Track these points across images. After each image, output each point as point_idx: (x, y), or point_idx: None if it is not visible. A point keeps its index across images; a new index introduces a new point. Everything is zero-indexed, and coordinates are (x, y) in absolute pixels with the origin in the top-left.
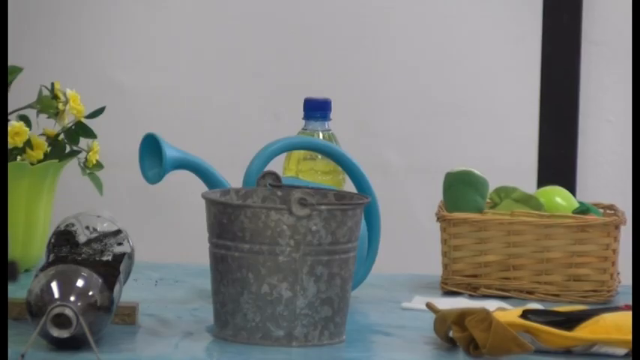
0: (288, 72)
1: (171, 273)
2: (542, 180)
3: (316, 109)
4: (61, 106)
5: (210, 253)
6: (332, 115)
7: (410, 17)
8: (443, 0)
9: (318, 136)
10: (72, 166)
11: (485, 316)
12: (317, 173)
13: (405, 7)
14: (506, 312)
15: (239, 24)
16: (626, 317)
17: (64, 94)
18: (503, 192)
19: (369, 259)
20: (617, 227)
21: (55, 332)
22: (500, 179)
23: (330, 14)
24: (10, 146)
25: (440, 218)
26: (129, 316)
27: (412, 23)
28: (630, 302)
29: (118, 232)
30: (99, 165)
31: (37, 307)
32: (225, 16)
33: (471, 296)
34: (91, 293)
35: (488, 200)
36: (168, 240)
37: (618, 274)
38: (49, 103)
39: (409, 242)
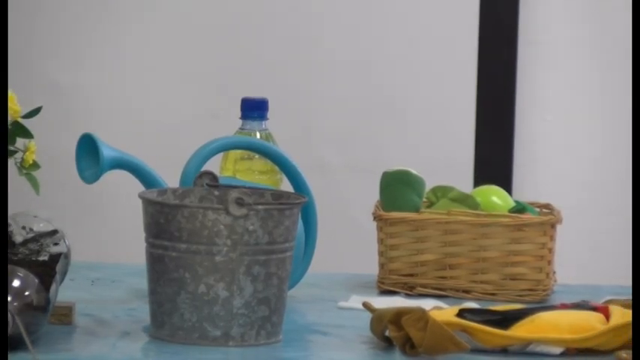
0: (226, 71)
1: (108, 273)
2: (479, 179)
3: (253, 109)
4: None
5: (147, 253)
6: (269, 114)
7: (347, 17)
8: (380, 0)
9: (256, 135)
10: (8, 166)
11: (422, 315)
12: (254, 173)
13: (342, 7)
14: (442, 311)
15: (176, 23)
16: (561, 316)
17: None
18: (440, 191)
19: (306, 258)
20: (553, 226)
21: None
22: (437, 178)
23: (268, 14)
24: None
25: (377, 217)
26: (65, 316)
27: (349, 23)
28: (566, 301)
29: (55, 232)
30: (35, 165)
31: None
32: (163, 14)
33: (408, 295)
34: (27, 293)
35: (424, 199)
36: (105, 240)
37: (554, 273)
38: None
39: (346, 241)
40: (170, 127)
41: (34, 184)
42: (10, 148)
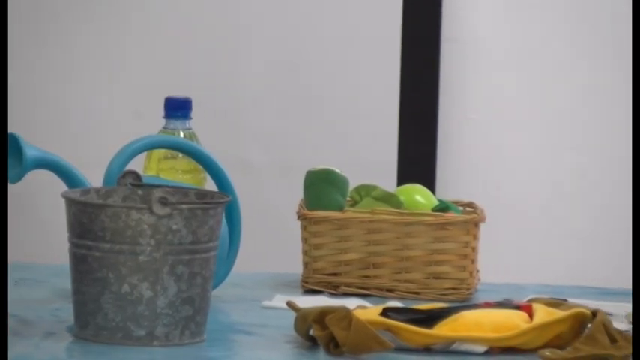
0: (149, 71)
1: (32, 273)
2: (403, 178)
3: (177, 108)
4: None
5: (71, 253)
6: (193, 113)
7: (271, 15)
8: (303, 0)
9: (179, 135)
10: None
11: (346, 314)
12: (178, 172)
13: (266, 5)
14: (366, 310)
15: (100, 22)
16: (485, 315)
17: None
18: (364, 190)
19: (230, 257)
20: (476, 225)
21: None
22: (361, 178)
23: (192, 12)
24: None
25: (300, 217)
26: None
27: (273, 21)
28: (489, 300)
29: None
30: None
31: None
32: (86, 13)
33: (332, 294)
34: None
35: (348, 199)
36: (28, 240)
37: (478, 271)
38: None
39: (270, 241)
40: (93, 127)
41: None
42: None
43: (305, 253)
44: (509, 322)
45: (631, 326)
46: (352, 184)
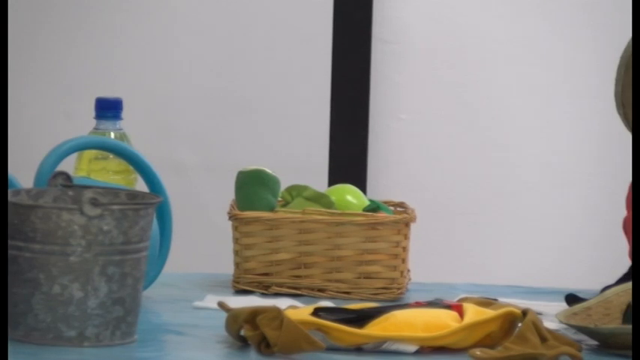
0: (80, 71)
1: None
2: (334, 178)
3: (108, 109)
4: None
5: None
6: (124, 114)
7: (203, 15)
8: (235, 1)
9: (110, 135)
10: None
11: (277, 314)
12: (109, 173)
13: (198, 5)
14: (297, 310)
15: (30, 21)
16: (416, 314)
17: None
18: (295, 190)
19: (161, 258)
20: (407, 225)
21: None
22: (292, 178)
23: (121, 13)
24: None
25: (232, 217)
26: None
27: (205, 21)
28: (420, 299)
29: None
30: None
31: None
32: (15, 14)
33: (263, 295)
34: None
35: (279, 199)
36: None
37: (408, 271)
38: None
39: (201, 241)
40: (24, 127)
41: None
42: None
43: (236, 253)
44: (439, 322)
45: (561, 325)
46: (283, 185)
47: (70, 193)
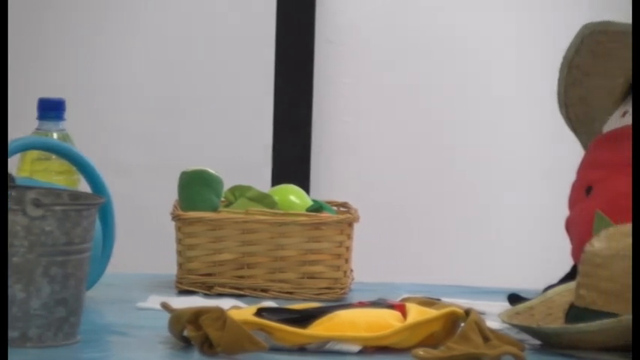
0: (22, 71)
1: None
2: (277, 179)
3: (50, 109)
4: None
5: None
6: (66, 114)
7: (145, 15)
8: (179, 0)
9: (53, 136)
10: None
11: (220, 314)
12: (51, 173)
13: (141, 5)
14: (240, 310)
15: None
16: (359, 314)
17: None
18: (238, 191)
19: (104, 258)
20: (350, 225)
21: None
22: (235, 178)
23: (64, 13)
24: None
25: (175, 217)
26: None
27: (148, 21)
28: (363, 299)
29: None
30: None
31: None
32: None
33: (206, 295)
34: None
35: (223, 199)
36: None
37: (352, 271)
38: None
39: (144, 242)
40: None
41: None
42: None
43: (179, 253)
44: (382, 322)
45: (504, 325)
46: (226, 185)
47: (13, 193)
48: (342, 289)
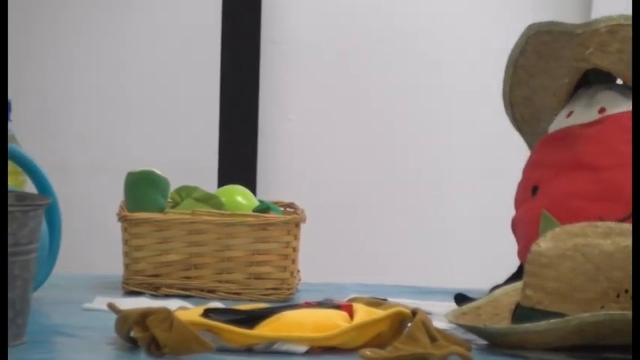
0: None
1: None
2: (223, 179)
3: None
4: None
5: None
6: (12, 115)
7: (92, 16)
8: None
9: None
10: None
11: (167, 315)
12: None
13: (86, 3)
14: (187, 311)
15: None
16: (306, 314)
17: None
18: (185, 191)
19: (50, 259)
20: (297, 225)
21: None
22: (181, 179)
23: (10, 13)
24: None
25: (121, 218)
26: None
27: (94, 21)
28: (310, 299)
29: None
30: None
31: None
32: None
33: (153, 296)
34: None
35: (169, 200)
36: None
37: (298, 271)
38: None
39: (91, 242)
40: None
41: None
42: None
43: (126, 254)
44: (329, 322)
45: (451, 325)
46: (173, 186)
47: None
48: (289, 289)
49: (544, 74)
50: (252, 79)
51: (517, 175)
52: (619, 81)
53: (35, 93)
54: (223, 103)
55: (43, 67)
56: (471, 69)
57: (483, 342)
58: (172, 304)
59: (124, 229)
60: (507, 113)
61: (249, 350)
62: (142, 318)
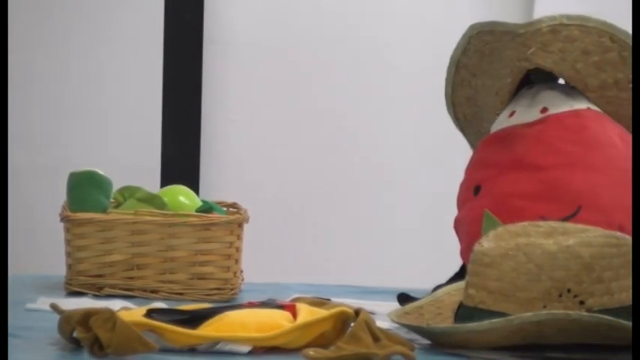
0: None
1: None
2: (166, 179)
3: None
4: None
5: None
6: None
7: (35, 14)
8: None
9: None
10: None
11: (110, 315)
12: None
13: (29, 6)
14: (130, 311)
15: None
16: (249, 315)
17: None
18: (127, 192)
19: None
20: (240, 225)
21: None
22: (124, 179)
23: None
24: None
25: (64, 218)
26: None
27: (35, 19)
28: (253, 300)
29: None
30: None
31: None
32: None
33: (96, 296)
34: None
35: (112, 200)
36: None
37: (241, 271)
38: None
39: (34, 243)
40: None
41: None
42: None
43: (68, 255)
44: (272, 322)
45: (394, 325)
46: (115, 186)
47: None
48: (232, 289)
49: (486, 74)
50: (194, 79)
51: (460, 175)
52: (561, 81)
53: None
54: (166, 103)
55: None
56: (413, 69)
57: (426, 341)
58: (115, 305)
59: (67, 230)
60: (450, 113)
61: (192, 350)
62: (85, 318)
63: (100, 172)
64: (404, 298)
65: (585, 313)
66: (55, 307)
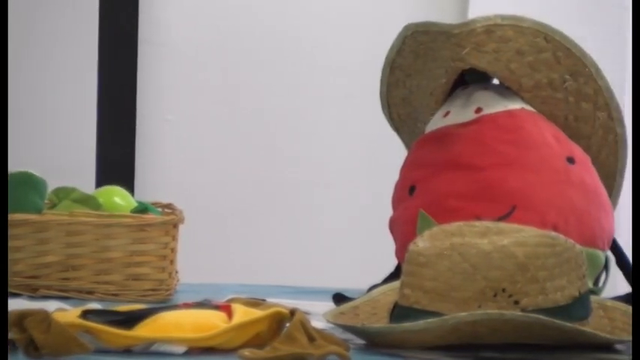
0: None
1: None
2: (101, 180)
3: None
4: None
5: None
6: None
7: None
8: None
9: None
10: None
11: (45, 317)
12: None
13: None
14: (65, 312)
15: None
16: (184, 315)
17: None
18: (62, 193)
19: None
20: (175, 226)
21: None
22: (59, 180)
23: None
24: None
25: None
26: None
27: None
28: (189, 300)
29: None
30: None
31: None
32: None
33: (31, 297)
34: None
35: (47, 201)
36: None
37: (177, 272)
38: None
39: None
40: None
41: None
42: None
43: None
44: (208, 323)
45: (329, 325)
46: (50, 187)
47: None
48: (167, 290)
49: (421, 74)
50: (129, 79)
51: (395, 175)
52: (496, 81)
53: None
54: (100, 103)
55: None
56: (349, 69)
57: (362, 341)
58: (50, 306)
59: None
60: (385, 113)
61: (127, 351)
62: (20, 319)
63: (35, 173)
64: (339, 298)
65: (519, 313)
66: None
